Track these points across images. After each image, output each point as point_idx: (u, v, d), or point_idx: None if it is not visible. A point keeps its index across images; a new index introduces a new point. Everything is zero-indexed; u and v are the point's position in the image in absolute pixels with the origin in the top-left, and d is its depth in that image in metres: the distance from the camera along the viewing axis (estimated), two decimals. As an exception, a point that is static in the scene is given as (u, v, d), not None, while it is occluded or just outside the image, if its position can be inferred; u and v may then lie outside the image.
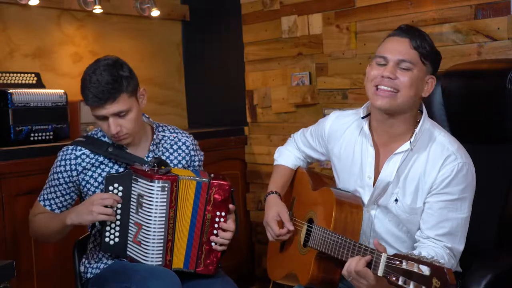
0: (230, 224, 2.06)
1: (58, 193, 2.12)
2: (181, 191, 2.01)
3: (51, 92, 2.84)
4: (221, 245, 2.06)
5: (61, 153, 2.13)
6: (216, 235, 2.05)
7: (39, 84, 2.94)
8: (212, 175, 2.07)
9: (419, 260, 1.45)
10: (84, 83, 2.02)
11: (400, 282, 1.46)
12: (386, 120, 1.86)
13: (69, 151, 2.11)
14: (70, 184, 2.11)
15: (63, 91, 2.89)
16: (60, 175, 2.10)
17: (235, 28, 3.65)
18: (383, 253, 1.56)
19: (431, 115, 2.28)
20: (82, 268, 2.16)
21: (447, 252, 1.78)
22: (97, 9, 3.28)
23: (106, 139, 2.14)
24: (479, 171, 2.15)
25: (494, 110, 2.12)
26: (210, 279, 2.07)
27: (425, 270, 1.42)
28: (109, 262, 2.12)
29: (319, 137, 2.15)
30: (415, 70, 1.80)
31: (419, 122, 1.87)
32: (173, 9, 3.86)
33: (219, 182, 2.03)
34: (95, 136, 2.16)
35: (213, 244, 2.05)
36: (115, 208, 1.99)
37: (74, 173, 2.09)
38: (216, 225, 2.05)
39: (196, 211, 2.04)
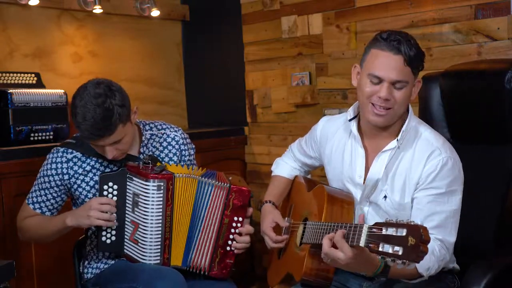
0: (249, 228, 2.07)
1: (49, 196, 2.10)
2: (178, 189, 2.01)
3: (51, 92, 2.84)
4: (240, 248, 2.07)
5: (51, 155, 2.09)
6: (233, 239, 2.06)
7: (39, 84, 2.94)
8: (230, 178, 2.07)
9: (397, 224, 1.48)
10: (77, 117, 1.91)
11: (380, 248, 1.48)
12: (378, 128, 1.91)
13: (60, 154, 2.08)
14: (62, 187, 2.09)
15: (63, 91, 2.89)
16: (51, 178, 2.08)
17: (235, 28, 3.65)
18: (364, 224, 1.57)
19: (429, 116, 2.30)
20: (82, 268, 2.16)
21: (438, 244, 1.80)
22: (97, 9, 3.28)
23: None
24: (478, 171, 2.16)
25: (493, 110, 2.12)
26: (210, 279, 2.07)
27: (402, 231, 1.45)
28: (110, 261, 2.11)
29: (312, 142, 2.21)
30: (409, 85, 1.82)
31: (405, 120, 1.90)
32: (173, 9, 3.87)
33: (239, 187, 2.04)
34: None
35: (229, 248, 2.06)
36: (113, 213, 1.98)
37: (66, 176, 2.07)
38: (233, 230, 2.06)
39: (201, 210, 2.04)
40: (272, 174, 2.34)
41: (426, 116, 2.32)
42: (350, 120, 1.99)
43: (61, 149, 2.09)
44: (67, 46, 3.35)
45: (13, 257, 2.33)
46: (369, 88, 1.83)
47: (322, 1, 3.20)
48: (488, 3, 2.60)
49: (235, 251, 2.06)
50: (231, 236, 2.06)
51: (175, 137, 2.23)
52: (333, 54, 3.17)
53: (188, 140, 2.28)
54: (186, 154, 2.24)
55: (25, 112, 2.71)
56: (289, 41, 3.37)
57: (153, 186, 1.97)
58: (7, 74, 2.84)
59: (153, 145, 2.18)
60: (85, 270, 2.14)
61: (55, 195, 2.11)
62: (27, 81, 2.90)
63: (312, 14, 3.24)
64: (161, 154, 2.18)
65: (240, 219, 2.05)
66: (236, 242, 2.06)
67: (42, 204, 2.11)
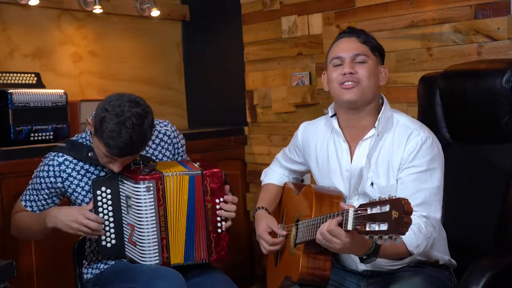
0: (233, 196, 2.07)
1: (40, 197, 2.10)
2: (169, 187, 2.00)
3: (51, 92, 2.84)
4: (227, 221, 2.06)
5: (44, 159, 2.09)
6: (221, 221, 2.06)
7: (39, 84, 2.94)
8: (197, 164, 2.08)
9: (380, 202, 1.52)
10: (109, 132, 1.85)
11: (367, 228, 1.52)
12: (353, 115, 1.97)
13: (52, 157, 2.07)
14: (53, 190, 2.08)
15: (63, 91, 2.89)
16: (42, 180, 2.07)
17: (235, 28, 3.65)
18: (349, 208, 1.60)
19: (429, 116, 2.30)
20: (82, 269, 2.16)
21: (424, 221, 1.83)
22: (97, 9, 3.28)
23: (87, 142, 2.09)
24: (478, 171, 2.16)
25: (493, 110, 2.12)
26: (209, 279, 2.07)
27: (386, 207, 1.49)
28: (110, 262, 2.11)
29: (295, 148, 2.26)
30: (370, 61, 1.94)
31: (380, 110, 1.97)
32: (173, 9, 3.87)
33: (211, 171, 2.04)
34: (79, 141, 2.11)
35: (220, 230, 2.06)
36: (98, 229, 1.99)
37: (59, 179, 2.06)
38: (218, 212, 2.06)
39: (192, 204, 2.04)
40: (262, 183, 2.36)
41: (425, 116, 2.32)
42: (331, 116, 2.05)
43: (53, 153, 2.08)
44: (67, 46, 3.35)
45: (13, 257, 2.34)
46: (334, 73, 1.95)
47: (322, 1, 3.20)
48: (488, 3, 2.60)
49: (224, 225, 2.06)
50: (218, 219, 2.06)
51: (166, 131, 2.22)
52: (333, 54, 3.17)
53: (178, 132, 2.27)
54: (179, 146, 2.24)
55: (25, 112, 2.71)
56: (289, 41, 3.37)
57: (143, 188, 1.96)
58: (7, 74, 2.84)
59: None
60: (85, 271, 2.14)
61: (46, 196, 2.10)
62: (27, 81, 2.90)
63: (312, 14, 3.24)
64: (154, 151, 2.18)
65: (222, 199, 2.06)
66: (224, 210, 2.05)
67: (33, 203, 2.11)
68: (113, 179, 2.02)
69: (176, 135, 2.24)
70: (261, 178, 2.38)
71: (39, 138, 2.76)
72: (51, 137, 2.80)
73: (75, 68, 3.38)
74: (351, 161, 1.99)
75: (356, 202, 1.97)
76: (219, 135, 3.55)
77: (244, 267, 3.59)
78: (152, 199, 1.98)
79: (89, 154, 2.05)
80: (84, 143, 2.10)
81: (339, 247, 1.68)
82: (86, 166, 2.08)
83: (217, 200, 2.05)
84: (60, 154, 2.07)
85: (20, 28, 3.13)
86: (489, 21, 2.60)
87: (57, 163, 2.06)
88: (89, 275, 2.13)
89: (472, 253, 2.00)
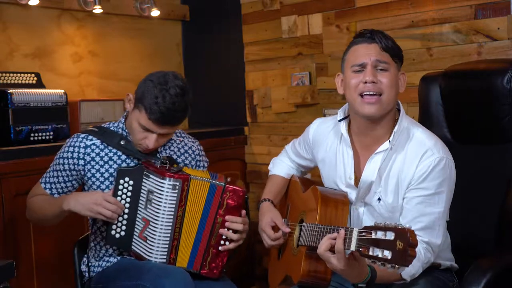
0: (242, 218, 2.05)
1: (60, 179, 2.11)
2: (192, 191, 2.01)
3: (51, 92, 2.84)
4: (230, 241, 2.04)
5: (70, 140, 2.10)
6: (226, 239, 2.05)
7: (39, 84, 2.94)
8: (228, 179, 2.07)
9: (385, 228, 1.49)
10: (154, 97, 1.95)
11: (370, 252, 1.50)
12: (369, 124, 1.90)
13: (80, 139, 2.08)
14: (74, 172, 2.09)
15: (63, 91, 2.89)
16: (65, 161, 2.08)
17: (235, 28, 3.65)
18: (354, 228, 1.58)
19: (429, 116, 2.30)
20: (83, 267, 2.16)
21: (424, 246, 1.80)
22: (97, 9, 3.28)
23: (120, 131, 2.11)
24: (478, 171, 2.16)
25: (493, 110, 2.12)
26: (209, 280, 2.06)
27: (390, 235, 1.46)
28: (112, 259, 2.11)
29: (305, 145, 2.22)
30: (391, 69, 1.86)
31: (397, 120, 1.90)
32: (173, 9, 3.87)
33: (234, 187, 2.03)
34: (111, 128, 2.13)
35: (222, 249, 2.04)
36: (118, 213, 1.98)
37: (81, 161, 2.07)
38: (224, 231, 2.04)
39: (207, 213, 2.03)
40: (269, 173, 2.34)
41: (426, 116, 2.32)
42: (340, 120, 2.00)
43: (82, 135, 2.10)
44: (67, 46, 3.35)
45: (13, 257, 2.34)
46: (354, 79, 1.87)
47: (322, 1, 3.20)
48: (488, 3, 2.60)
49: (227, 245, 2.04)
50: (223, 237, 2.04)
51: (192, 147, 2.26)
52: (333, 54, 3.17)
53: (203, 153, 2.30)
54: (200, 165, 2.26)
55: (25, 112, 2.71)
56: (289, 41, 3.37)
57: (169, 184, 1.97)
58: (7, 74, 2.84)
59: (171, 149, 2.20)
60: (87, 269, 2.14)
61: (66, 179, 2.11)
62: (27, 81, 2.90)
63: (312, 14, 3.24)
64: (178, 159, 2.20)
65: (234, 220, 2.04)
66: (233, 232, 2.03)
67: (53, 186, 2.12)
68: (138, 172, 2.02)
69: (201, 154, 2.28)
70: (269, 167, 2.36)
71: (39, 138, 2.76)
72: (51, 137, 2.80)
73: (75, 68, 3.39)
74: (358, 170, 1.95)
75: (362, 209, 1.96)
76: (219, 135, 3.55)
77: (244, 267, 3.59)
78: (175, 198, 1.98)
79: (121, 142, 2.07)
80: (116, 131, 2.11)
81: (333, 268, 1.66)
82: (111, 154, 2.09)
83: (228, 217, 2.04)
84: (90, 137, 2.09)
85: (20, 28, 3.13)
86: (489, 21, 2.61)
87: (84, 145, 2.08)
88: (91, 273, 2.12)
89: (472, 253, 2.00)
